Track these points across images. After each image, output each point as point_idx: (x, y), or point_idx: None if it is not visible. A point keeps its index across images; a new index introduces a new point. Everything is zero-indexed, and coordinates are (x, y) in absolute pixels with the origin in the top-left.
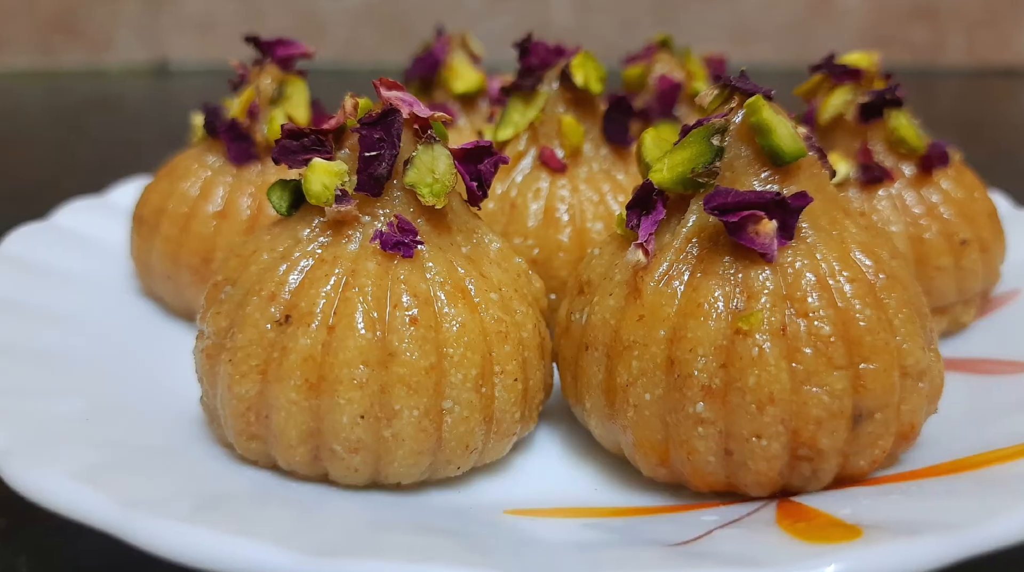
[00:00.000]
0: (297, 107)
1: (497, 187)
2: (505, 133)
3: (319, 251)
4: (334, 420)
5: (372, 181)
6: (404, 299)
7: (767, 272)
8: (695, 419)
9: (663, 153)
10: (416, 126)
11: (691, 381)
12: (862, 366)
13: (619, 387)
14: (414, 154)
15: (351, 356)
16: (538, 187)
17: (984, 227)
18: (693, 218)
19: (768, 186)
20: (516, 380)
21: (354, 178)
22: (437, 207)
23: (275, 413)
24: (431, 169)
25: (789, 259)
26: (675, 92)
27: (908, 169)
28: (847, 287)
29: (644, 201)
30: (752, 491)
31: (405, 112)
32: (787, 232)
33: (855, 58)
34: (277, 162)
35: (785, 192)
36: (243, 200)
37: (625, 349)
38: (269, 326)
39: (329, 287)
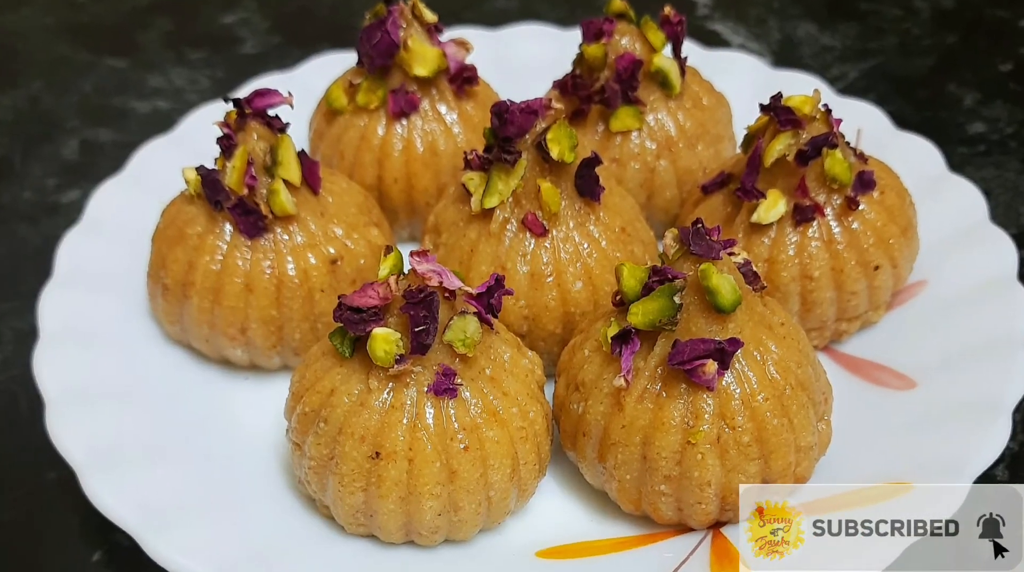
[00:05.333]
0: (289, 169)
1: (487, 248)
2: (491, 201)
3: (389, 398)
4: (420, 518)
5: (422, 348)
6: (458, 435)
7: (709, 400)
8: (659, 492)
9: (638, 284)
10: (446, 294)
11: (657, 472)
12: (770, 456)
13: (608, 468)
14: (450, 321)
15: (427, 480)
16: (524, 252)
17: (897, 247)
18: (659, 350)
19: (713, 325)
20: (535, 465)
21: (406, 341)
22: (469, 355)
23: (378, 515)
24: (463, 330)
25: (724, 383)
26: (636, 70)
27: (838, 199)
28: (764, 404)
29: (625, 337)
30: (696, 527)
31: (435, 282)
32: (724, 366)
33: (798, 102)
34: (345, 332)
35: (726, 336)
36: (265, 273)
37: (612, 445)
38: (364, 460)
39: (403, 429)
